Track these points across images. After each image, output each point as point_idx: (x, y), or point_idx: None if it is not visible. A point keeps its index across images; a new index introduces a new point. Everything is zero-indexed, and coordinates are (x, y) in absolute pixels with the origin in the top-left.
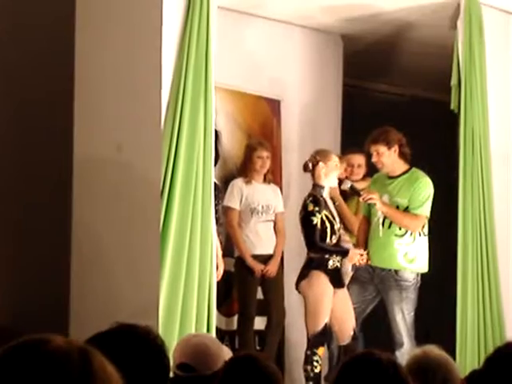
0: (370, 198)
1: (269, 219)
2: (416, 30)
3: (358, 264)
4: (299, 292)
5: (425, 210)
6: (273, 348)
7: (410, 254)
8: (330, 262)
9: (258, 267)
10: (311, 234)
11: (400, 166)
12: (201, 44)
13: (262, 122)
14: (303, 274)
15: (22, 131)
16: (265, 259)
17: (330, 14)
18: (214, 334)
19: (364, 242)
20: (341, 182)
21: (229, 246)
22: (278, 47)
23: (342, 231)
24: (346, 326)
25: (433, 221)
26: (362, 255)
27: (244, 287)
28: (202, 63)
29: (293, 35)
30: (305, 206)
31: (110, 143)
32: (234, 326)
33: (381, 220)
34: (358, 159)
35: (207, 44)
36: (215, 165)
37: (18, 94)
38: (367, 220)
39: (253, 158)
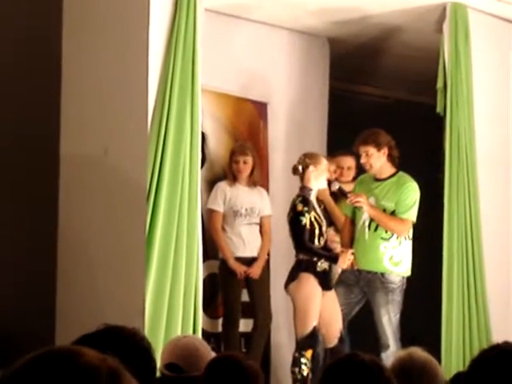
0: (357, 201)
1: (253, 222)
2: (402, 34)
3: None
4: (288, 294)
5: (411, 215)
6: (259, 350)
7: (395, 258)
8: (319, 264)
9: (240, 269)
10: (300, 234)
11: (387, 168)
12: (187, 46)
13: (249, 125)
14: (292, 276)
15: (7, 134)
16: (248, 261)
17: (316, 16)
18: (200, 335)
19: (349, 244)
20: (329, 183)
21: (213, 249)
22: (265, 50)
23: (332, 232)
24: (334, 328)
25: (418, 224)
26: (352, 255)
27: (228, 289)
28: (189, 66)
29: (280, 38)
30: (293, 207)
31: (96, 146)
32: (220, 328)
33: (367, 223)
34: (348, 161)
35: (194, 46)
36: (202, 167)
37: (4, 96)
38: (352, 222)
39: (230, 162)
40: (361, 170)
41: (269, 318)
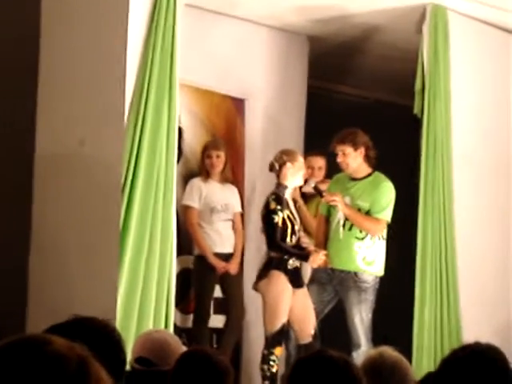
0: (332, 200)
1: (228, 218)
2: (382, 34)
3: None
4: (257, 291)
5: (386, 215)
6: (229, 346)
7: (368, 257)
8: (290, 262)
9: (219, 265)
10: (272, 232)
11: (364, 168)
12: (166, 40)
13: (226, 121)
14: (262, 274)
15: None
16: (225, 257)
17: (297, 14)
18: (171, 330)
19: (323, 243)
20: (304, 182)
21: (186, 245)
22: (245, 46)
23: (301, 233)
24: (306, 325)
25: (392, 224)
26: (325, 257)
27: (202, 285)
28: (167, 60)
29: (259, 35)
30: (267, 204)
31: (72, 138)
32: (191, 324)
33: (341, 222)
34: (319, 161)
35: (173, 41)
36: (178, 162)
37: None
38: (326, 220)
39: (203, 157)
40: (332, 170)
41: (241, 314)
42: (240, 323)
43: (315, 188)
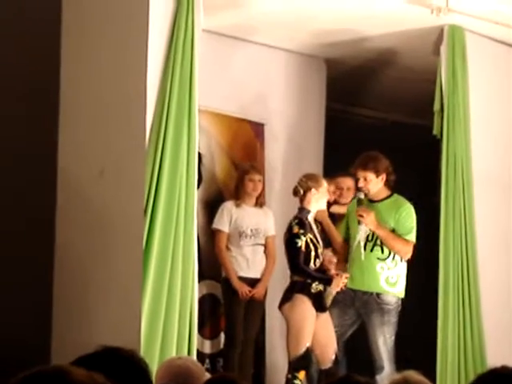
0: (365, 217)
1: (258, 243)
2: (399, 56)
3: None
4: (282, 314)
5: (413, 236)
6: (249, 368)
7: (391, 278)
8: (313, 286)
9: (243, 289)
10: (295, 256)
11: (383, 191)
12: (185, 67)
13: (246, 145)
14: (286, 297)
15: (5, 154)
16: (251, 282)
17: (314, 38)
18: (194, 356)
19: (343, 265)
20: (329, 204)
21: (214, 270)
22: (263, 70)
23: (330, 254)
24: (328, 349)
25: (414, 246)
26: (346, 279)
27: (230, 309)
28: (186, 86)
29: (277, 59)
30: (290, 228)
31: (93, 166)
32: (216, 349)
33: (362, 243)
34: (348, 182)
35: (191, 67)
36: (198, 187)
37: (1, 116)
38: (346, 243)
39: (244, 181)
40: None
41: (254, 335)
42: (253, 346)
43: (361, 200)
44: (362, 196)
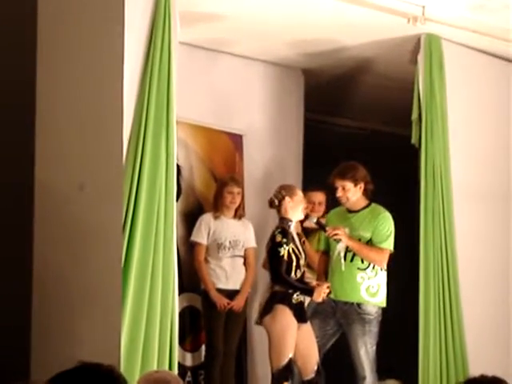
0: (335, 234)
1: (237, 254)
2: (377, 65)
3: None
4: (263, 326)
5: (389, 244)
6: (230, 380)
7: (372, 288)
8: (295, 297)
9: (221, 301)
10: (277, 265)
11: (361, 201)
12: (162, 79)
13: (225, 157)
14: (267, 309)
15: None
16: (230, 294)
17: (291, 48)
18: (176, 369)
19: (324, 276)
20: (305, 218)
21: (194, 282)
22: (240, 82)
23: (304, 268)
24: (310, 360)
25: (393, 256)
26: (327, 289)
27: (210, 321)
28: (164, 98)
29: (254, 70)
30: (273, 237)
31: (72, 181)
32: (197, 362)
33: (342, 253)
34: (319, 196)
35: (169, 79)
36: (177, 199)
37: None
38: (326, 255)
39: (223, 193)
40: (331, 204)
41: (234, 347)
42: (233, 358)
43: (317, 223)
44: (314, 220)
